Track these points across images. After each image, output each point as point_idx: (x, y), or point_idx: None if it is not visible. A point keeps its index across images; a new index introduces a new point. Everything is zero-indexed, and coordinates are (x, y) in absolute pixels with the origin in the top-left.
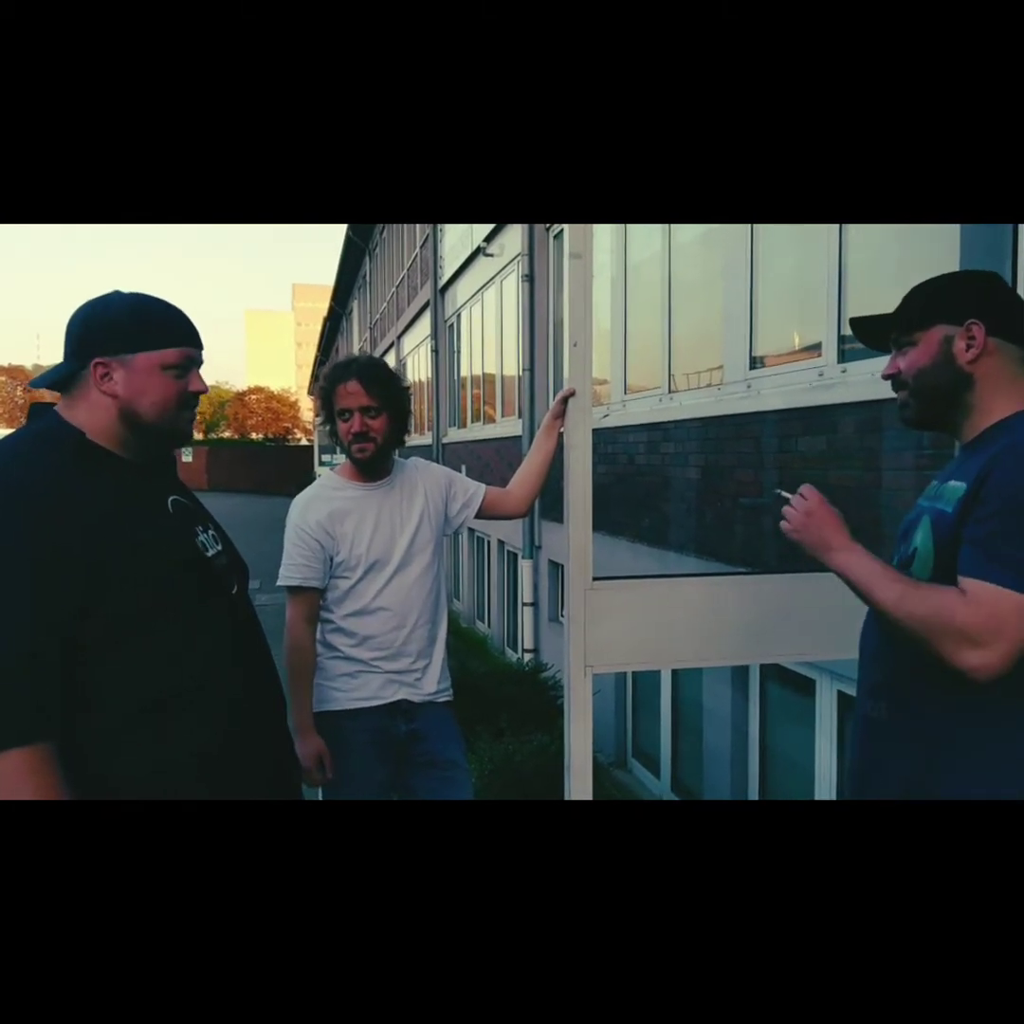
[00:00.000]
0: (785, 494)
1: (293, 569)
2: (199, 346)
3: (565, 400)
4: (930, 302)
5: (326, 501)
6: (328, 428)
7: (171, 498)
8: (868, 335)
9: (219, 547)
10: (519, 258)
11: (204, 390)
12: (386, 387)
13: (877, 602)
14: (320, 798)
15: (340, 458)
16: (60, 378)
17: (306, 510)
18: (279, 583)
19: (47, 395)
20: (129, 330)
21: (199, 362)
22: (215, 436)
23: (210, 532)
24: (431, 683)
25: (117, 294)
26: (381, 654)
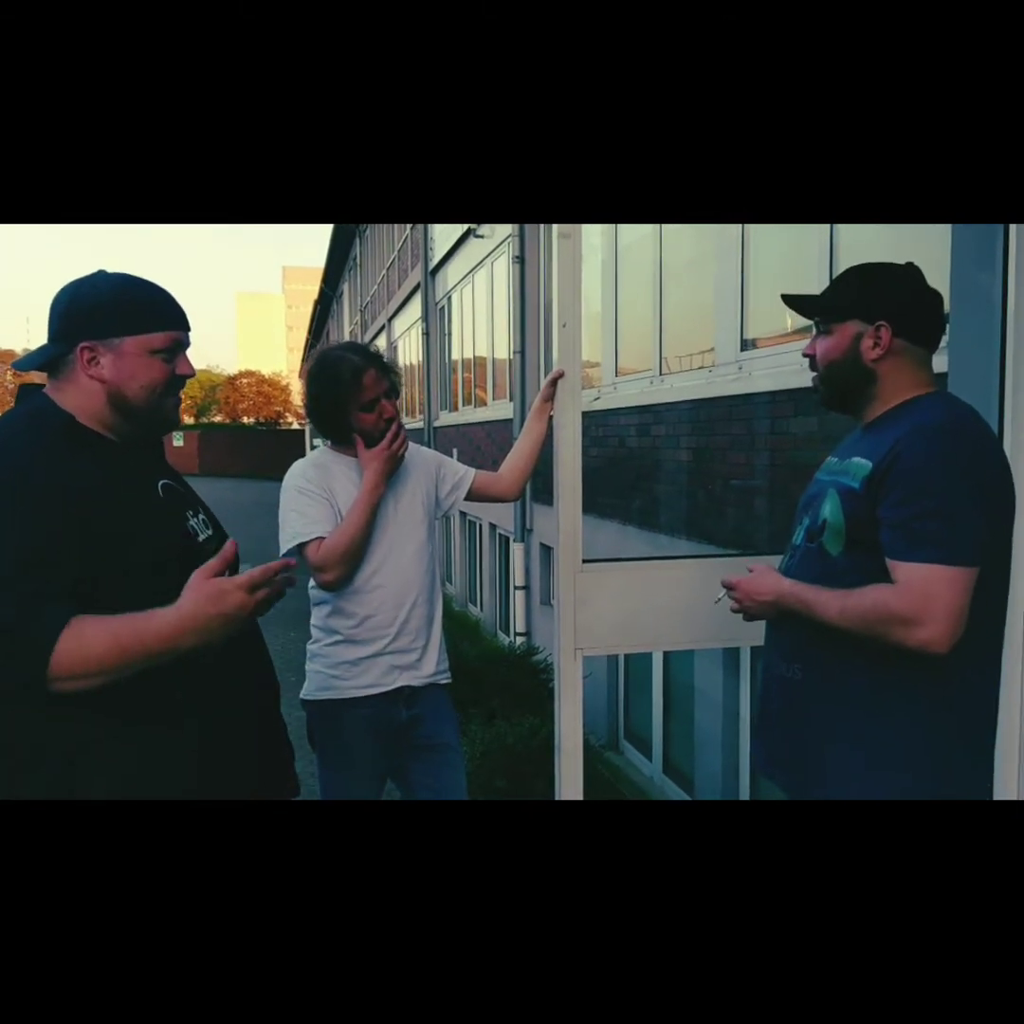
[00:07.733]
0: (721, 597)
1: (313, 524)
2: (186, 328)
3: (554, 382)
4: (850, 297)
5: (325, 468)
6: (345, 424)
7: (161, 482)
8: (799, 309)
9: (210, 532)
10: (509, 240)
11: (191, 374)
12: (388, 366)
13: (824, 620)
14: (319, 782)
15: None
16: (47, 361)
17: (306, 472)
18: (298, 541)
19: (36, 377)
20: (116, 313)
21: (186, 345)
22: (206, 420)
23: (201, 516)
24: (430, 664)
25: (103, 274)
26: (382, 634)
